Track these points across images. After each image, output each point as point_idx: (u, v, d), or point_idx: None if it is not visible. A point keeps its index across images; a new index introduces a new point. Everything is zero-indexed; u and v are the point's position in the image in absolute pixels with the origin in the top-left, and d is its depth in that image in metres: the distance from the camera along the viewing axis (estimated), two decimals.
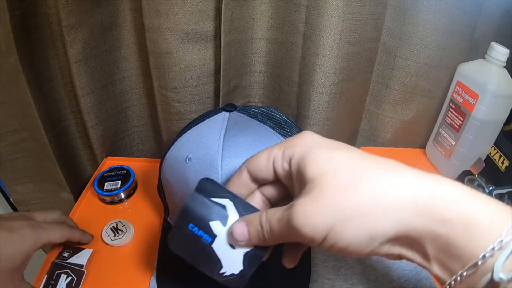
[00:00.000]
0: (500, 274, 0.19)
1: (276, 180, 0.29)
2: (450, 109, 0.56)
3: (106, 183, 0.54)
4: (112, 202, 0.54)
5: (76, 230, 0.44)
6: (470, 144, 0.53)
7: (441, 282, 0.23)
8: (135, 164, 0.59)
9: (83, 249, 0.44)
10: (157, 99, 0.59)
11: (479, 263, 0.20)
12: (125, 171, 0.56)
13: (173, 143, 0.42)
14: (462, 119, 0.53)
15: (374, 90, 0.62)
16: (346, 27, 0.51)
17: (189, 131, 0.42)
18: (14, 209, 0.66)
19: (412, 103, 0.61)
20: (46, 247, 0.41)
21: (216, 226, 0.28)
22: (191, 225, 0.28)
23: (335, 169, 0.24)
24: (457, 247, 0.21)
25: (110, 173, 0.56)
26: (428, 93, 0.59)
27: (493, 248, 0.19)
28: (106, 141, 0.62)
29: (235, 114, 0.42)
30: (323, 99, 0.57)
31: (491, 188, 0.50)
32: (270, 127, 0.40)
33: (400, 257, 0.24)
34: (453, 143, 0.55)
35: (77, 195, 0.57)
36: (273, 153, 0.28)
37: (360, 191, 0.23)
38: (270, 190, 0.30)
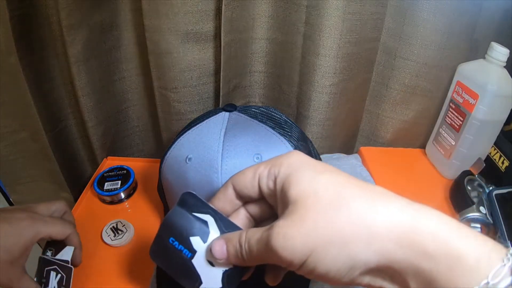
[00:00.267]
0: None
1: (261, 198, 0.28)
2: (450, 109, 0.56)
3: (106, 183, 0.54)
4: (112, 202, 0.54)
5: (76, 235, 0.42)
6: (470, 144, 0.53)
7: None
8: (135, 164, 0.59)
9: (65, 246, 0.42)
10: (157, 99, 0.59)
11: None
12: (125, 171, 0.56)
13: (173, 143, 0.42)
14: (462, 119, 0.53)
15: (374, 90, 0.62)
16: (346, 27, 0.51)
17: (189, 131, 0.42)
18: None
19: (412, 103, 0.61)
20: (42, 242, 0.41)
21: (196, 241, 0.27)
22: (171, 238, 0.28)
23: (318, 192, 0.23)
24: (441, 284, 0.20)
25: (110, 173, 0.56)
26: (428, 93, 0.59)
27: None
28: (106, 141, 0.62)
29: (235, 114, 0.42)
30: (323, 99, 0.57)
31: (491, 188, 0.50)
32: (270, 127, 0.40)
33: None
34: (453, 143, 0.55)
35: (77, 195, 0.57)
36: (259, 170, 0.27)
37: (341, 217, 0.22)
38: (255, 208, 0.29)
